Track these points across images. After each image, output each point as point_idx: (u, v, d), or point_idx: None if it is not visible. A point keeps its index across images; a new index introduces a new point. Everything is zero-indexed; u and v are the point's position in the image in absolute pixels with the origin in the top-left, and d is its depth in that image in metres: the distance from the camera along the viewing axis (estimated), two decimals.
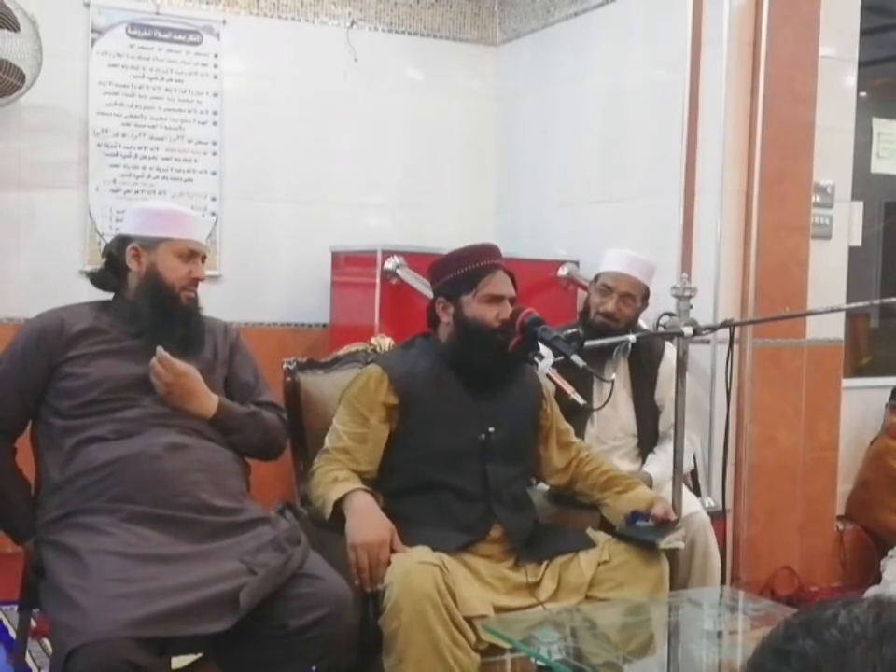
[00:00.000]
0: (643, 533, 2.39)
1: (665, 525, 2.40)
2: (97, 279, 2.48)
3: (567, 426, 2.64)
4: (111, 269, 2.45)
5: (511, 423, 2.46)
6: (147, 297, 2.39)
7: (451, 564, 2.21)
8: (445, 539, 2.29)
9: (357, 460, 2.39)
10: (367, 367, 2.54)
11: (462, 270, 2.42)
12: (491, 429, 2.40)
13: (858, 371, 4.60)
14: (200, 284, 2.49)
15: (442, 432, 2.39)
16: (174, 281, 2.40)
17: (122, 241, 2.44)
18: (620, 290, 3.11)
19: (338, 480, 2.33)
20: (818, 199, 3.81)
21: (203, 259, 2.52)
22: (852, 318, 4.45)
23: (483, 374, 2.45)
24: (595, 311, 3.13)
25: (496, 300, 2.40)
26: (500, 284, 2.42)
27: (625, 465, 3.01)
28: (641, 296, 3.17)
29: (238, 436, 2.41)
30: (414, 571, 2.11)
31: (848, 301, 3.88)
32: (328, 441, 2.44)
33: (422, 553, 2.19)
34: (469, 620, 2.13)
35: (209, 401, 2.36)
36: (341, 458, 2.38)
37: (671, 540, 2.38)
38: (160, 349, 2.30)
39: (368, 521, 2.21)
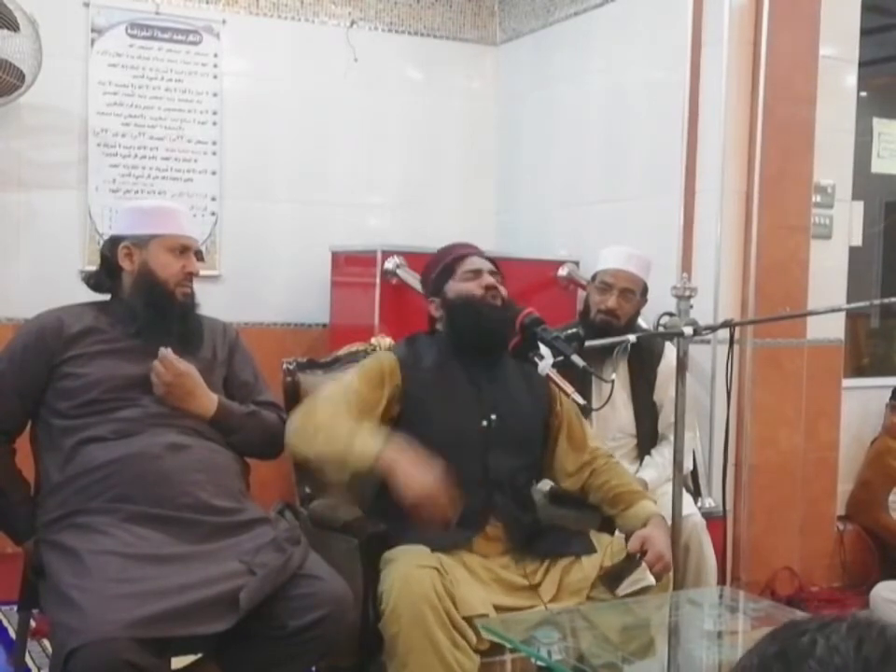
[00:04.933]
0: (608, 578, 2.32)
1: (632, 564, 2.31)
2: (92, 282, 2.48)
3: (584, 428, 2.60)
4: (105, 270, 2.45)
5: (516, 414, 2.45)
6: (141, 295, 2.38)
7: (449, 565, 2.21)
8: (442, 537, 2.28)
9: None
10: (382, 352, 2.59)
11: (440, 266, 2.50)
12: (493, 417, 2.39)
13: (858, 371, 4.60)
14: (198, 282, 2.49)
15: (443, 418, 2.37)
16: (167, 277, 2.39)
17: (114, 241, 2.44)
18: (619, 286, 3.12)
19: (363, 427, 2.22)
20: (818, 199, 3.81)
21: (199, 254, 2.51)
22: (852, 318, 4.45)
23: (490, 349, 2.43)
24: (596, 309, 3.13)
25: (475, 274, 2.45)
26: (476, 262, 2.48)
27: (624, 466, 3.00)
28: (640, 291, 3.17)
29: (238, 436, 2.41)
30: (412, 575, 2.11)
31: (848, 301, 3.88)
32: (330, 391, 2.33)
33: (420, 555, 2.18)
34: (468, 620, 2.12)
35: (209, 401, 2.36)
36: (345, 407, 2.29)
37: (631, 583, 2.29)
38: (163, 349, 2.30)
39: (413, 474, 2.14)
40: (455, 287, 2.45)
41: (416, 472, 2.13)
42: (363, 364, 2.45)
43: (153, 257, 2.39)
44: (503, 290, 2.45)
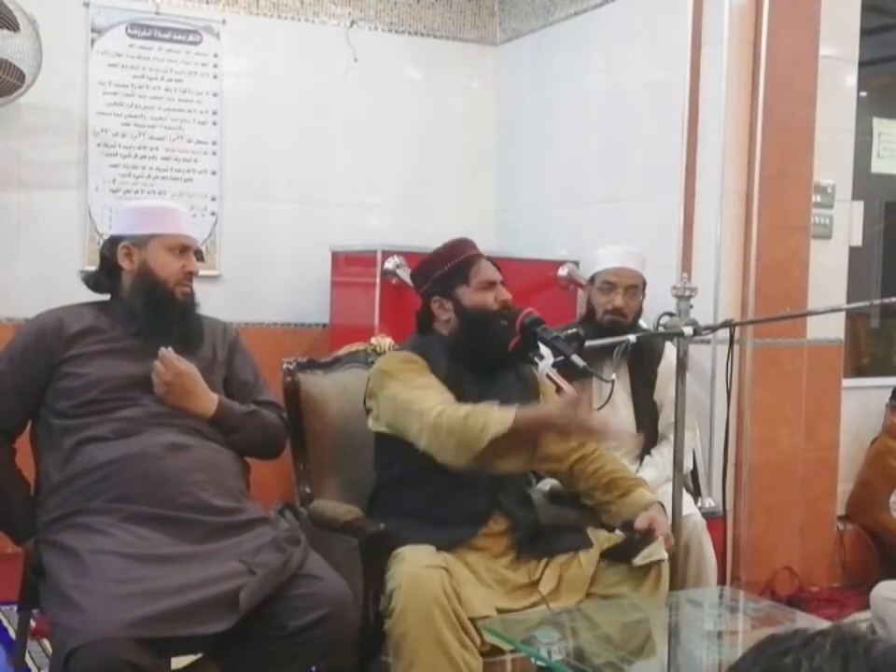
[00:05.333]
0: (621, 550, 2.36)
1: (649, 537, 2.35)
2: (91, 282, 2.48)
3: None
4: (105, 270, 2.45)
5: None
6: (140, 295, 2.38)
7: (453, 564, 2.21)
8: (447, 535, 2.28)
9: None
10: (396, 352, 2.54)
11: (449, 265, 2.45)
12: None
13: (858, 371, 4.60)
14: (198, 282, 2.49)
15: None
16: (167, 276, 2.39)
17: (113, 241, 2.44)
18: (623, 284, 3.12)
19: (480, 411, 2.20)
20: (818, 199, 3.81)
21: (198, 254, 2.51)
22: (852, 318, 4.45)
23: (492, 362, 2.44)
24: (603, 310, 3.12)
25: (490, 285, 2.43)
26: (489, 270, 2.46)
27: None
28: (642, 287, 3.18)
29: (238, 435, 2.41)
30: (421, 575, 2.11)
31: (848, 301, 3.88)
32: (413, 402, 2.28)
33: (427, 555, 2.19)
34: (472, 621, 2.13)
35: (208, 401, 2.36)
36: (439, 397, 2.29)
37: (646, 555, 2.31)
38: (163, 348, 2.30)
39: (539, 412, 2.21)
40: (470, 297, 2.42)
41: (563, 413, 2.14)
42: (393, 369, 2.38)
43: (152, 256, 2.39)
44: (509, 295, 2.45)
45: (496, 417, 2.14)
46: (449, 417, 2.18)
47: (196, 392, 2.34)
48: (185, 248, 2.43)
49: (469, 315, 2.42)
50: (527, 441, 2.22)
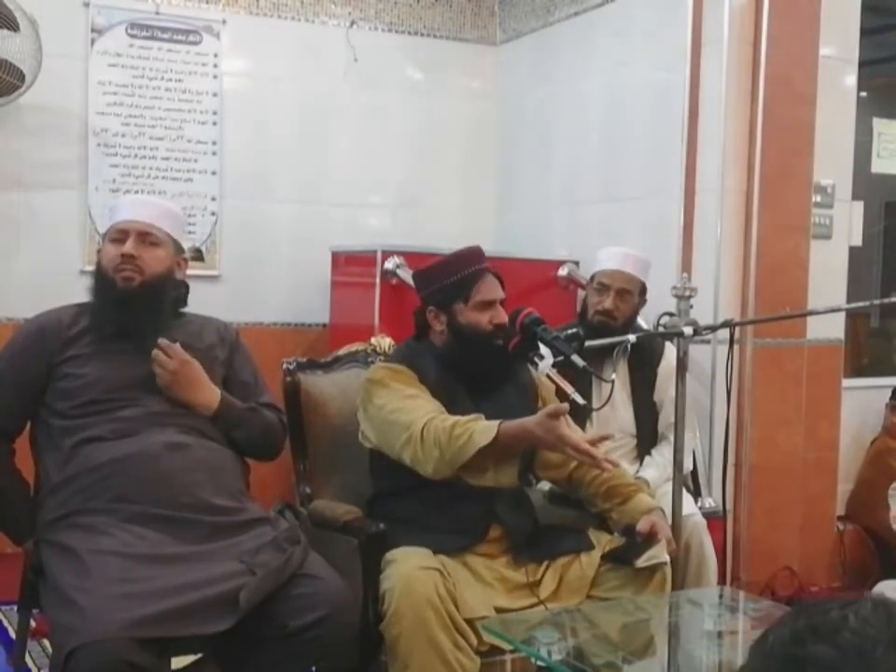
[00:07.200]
0: (623, 552, 2.37)
1: (651, 540, 2.35)
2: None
3: (568, 423, 2.60)
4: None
5: None
6: (93, 289, 2.37)
7: (451, 566, 2.21)
8: (444, 542, 2.28)
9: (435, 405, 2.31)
10: (384, 363, 2.53)
11: (451, 278, 2.42)
12: None
13: (858, 371, 4.60)
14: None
15: None
16: (106, 264, 2.35)
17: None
18: (616, 287, 3.12)
19: (466, 422, 2.19)
20: (818, 199, 3.81)
21: (147, 236, 2.35)
22: (852, 318, 4.45)
23: (483, 377, 2.44)
24: (594, 310, 3.13)
25: (488, 305, 2.40)
26: (491, 288, 2.42)
27: (624, 465, 3.00)
28: (638, 291, 3.17)
29: (240, 431, 2.39)
30: (415, 577, 2.11)
31: (848, 301, 3.88)
32: (401, 412, 2.29)
33: (422, 557, 2.19)
34: (469, 622, 2.13)
35: (212, 393, 2.35)
36: (433, 408, 2.29)
37: (648, 558, 2.33)
38: (162, 339, 2.29)
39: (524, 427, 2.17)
40: (466, 315, 2.40)
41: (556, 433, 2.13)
42: (383, 379, 2.38)
43: (104, 250, 2.39)
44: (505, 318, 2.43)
45: (480, 429, 2.15)
46: (435, 428, 2.19)
47: (201, 382, 2.33)
48: (123, 233, 2.34)
49: (462, 333, 2.40)
50: (512, 453, 2.22)
